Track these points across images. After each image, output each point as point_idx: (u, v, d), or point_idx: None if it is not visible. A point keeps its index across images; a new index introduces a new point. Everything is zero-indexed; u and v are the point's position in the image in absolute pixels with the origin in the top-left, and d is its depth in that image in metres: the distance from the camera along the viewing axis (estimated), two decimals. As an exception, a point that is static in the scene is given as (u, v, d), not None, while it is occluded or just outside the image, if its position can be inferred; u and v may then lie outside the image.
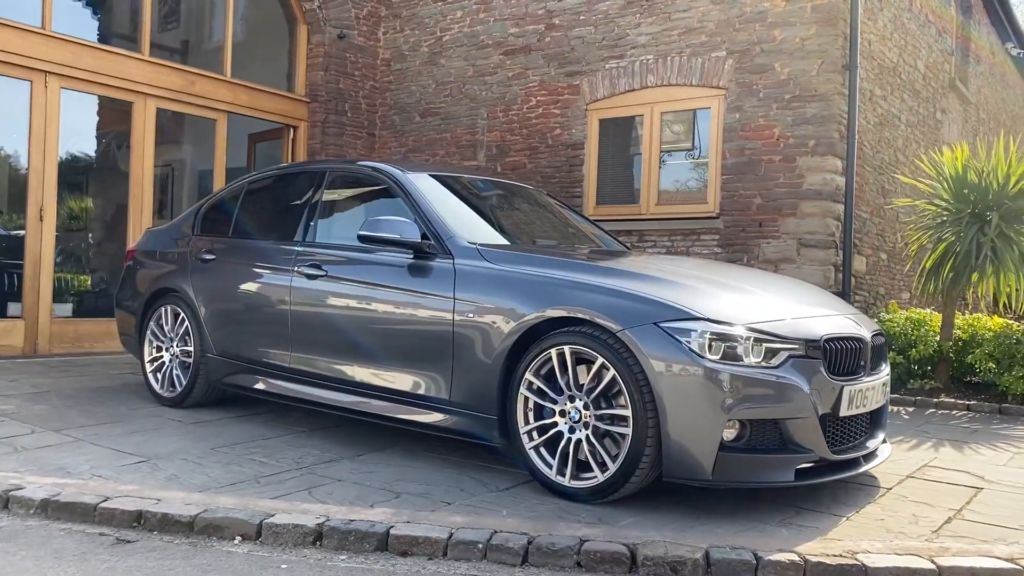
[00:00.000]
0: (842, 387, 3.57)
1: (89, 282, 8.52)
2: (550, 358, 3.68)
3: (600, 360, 3.52)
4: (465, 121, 9.77)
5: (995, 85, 13.76)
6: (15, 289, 7.76)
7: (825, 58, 7.42)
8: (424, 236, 4.25)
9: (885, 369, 4.05)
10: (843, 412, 3.59)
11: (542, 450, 3.73)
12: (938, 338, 7.25)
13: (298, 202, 5.13)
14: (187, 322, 5.37)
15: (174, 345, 5.48)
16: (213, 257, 5.34)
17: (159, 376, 5.57)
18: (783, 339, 3.47)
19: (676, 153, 8.45)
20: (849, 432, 3.77)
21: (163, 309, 5.56)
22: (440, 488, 3.79)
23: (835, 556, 3.04)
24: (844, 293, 7.45)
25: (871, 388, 3.77)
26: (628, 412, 3.45)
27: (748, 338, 3.41)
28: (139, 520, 3.40)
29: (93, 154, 8.87)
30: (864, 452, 3.84)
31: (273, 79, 10.21)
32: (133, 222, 8.37)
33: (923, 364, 7.31)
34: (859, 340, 3.76)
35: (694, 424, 3.35)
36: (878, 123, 8.46)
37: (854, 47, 7.45)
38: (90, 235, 8.77)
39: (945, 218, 7.16)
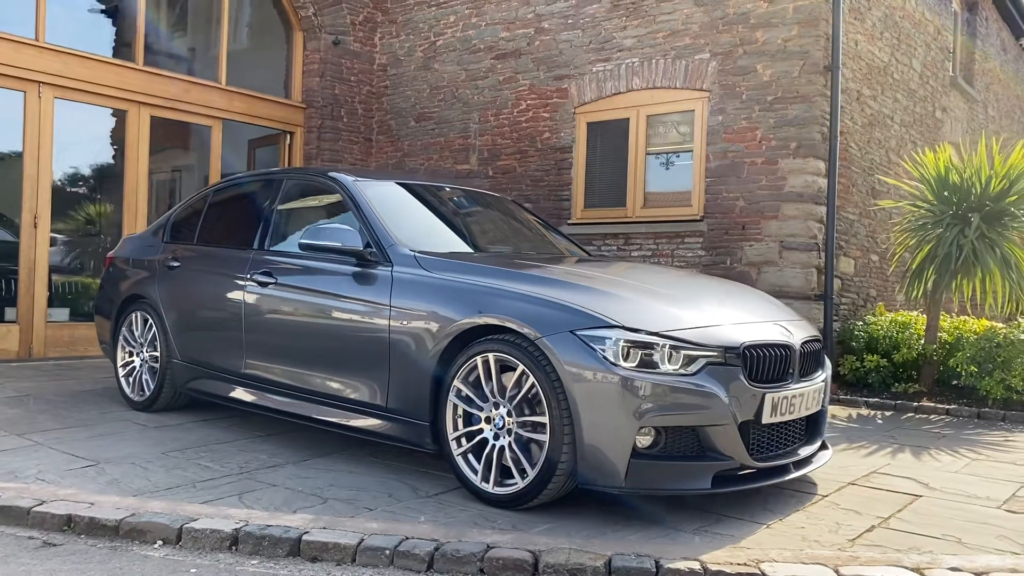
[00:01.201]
0: (764, 394, 3.56)
1: (85, 287, 8.69)
2: (476, 365, 3.72)
3: (520, 367, 3.56)
4: (458, 125, 9.82)
5: (1008, 82, 13.52)
6: (11, 294, 7.95)
7: (807, 59, 7.36)
8: (368, 244, 4.31)
9: (821, 375, 4.03)
10: (766, 419, 3.58)
11: (470, 456, 3.76)
12: (923, 341, 7.18)
13: (256, 210, 5.21)
14: (154, 328, 5.49)
15: (144, 350, 5.60)
16: (178, 264, 5.45)
17: (130, 380, 5.70)
18: (700, 346, 3.47)
19: (661, 156, 8.43)
20: (777, 439, 3.76)
21: (134, 315, 5.69)
22: (369, 494, 3.85)
23: (737, 564, 3.05)
24: (827, 296, 7.39)
25: (799, 395, 3.76)
26: (546, 419, 3.48)
27: (663, 345, 3.42)
28: (69, 524, 3.49)
29: (91, 161, 9.03)
30: (795, 459, 3.83)
31: (272, 86, 10.36)
32: (127, 228, 8.53)
33: (907, 368, 7.23)
34: (785, 347, 3.74)
35: (607, 431, 3.36)
36: (867, 123, 8.37)
37: (836, 48, 7.38)
38: (87, 240, 8.94)
39: (927, 220, 7.07)
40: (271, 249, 4.91)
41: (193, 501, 3.69)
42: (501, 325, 3.64)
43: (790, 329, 3.88)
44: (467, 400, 3.76)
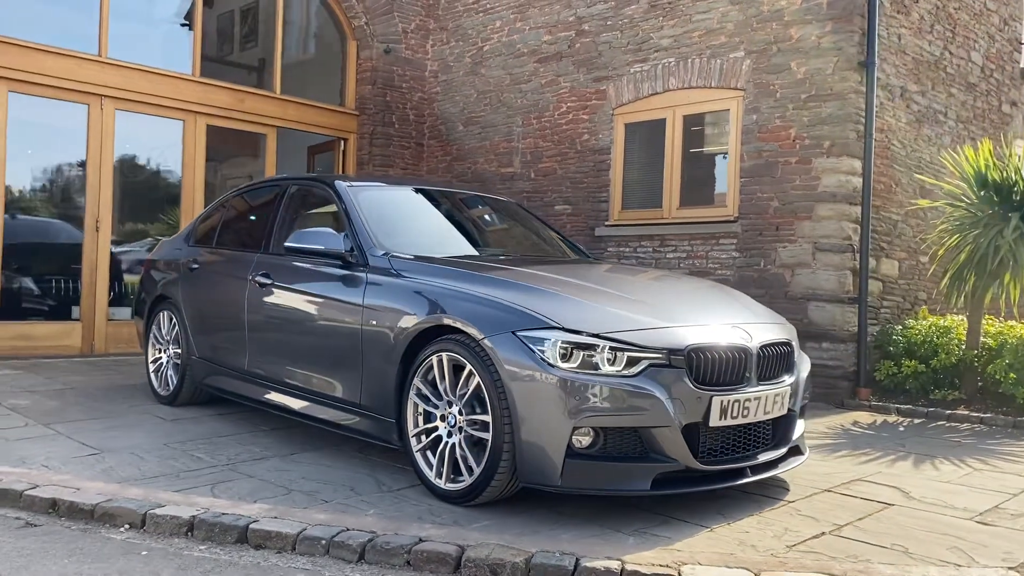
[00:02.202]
0: (711, 397, 3.54)
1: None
2: (432, 365, 3.82)
3: (468, 367, 3.64)
4: (502, 129, 9.95)
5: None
6: (75, 294, 8.49)
7: (841, 56, 7.16)
8: (350, 248, 4.47)
9: (787, 380, 3.95)
10: (715, 423, 3.56)
11: (428, 453, 3.88)
12: (963, 347, 6.88)
13: (263, 215, 5.47)
14: (178, 326, 5.81)
15: (169, 348, 5.93)
16: (197, 266, 5.76)
17: (158, 376, 6.04)
18: (642, 348, 3.48)
19: (697, 156, 8.34)
20: (734, 442, 3.72)
21: (161, 314, 6.03)
22: (333, 487, 4.00)
23: (658, 566, 3.05)
24: (860, 299, 7.16)
25: (756, 399, 3.71)
26: (489, 418, 3.55)
27: (603, 347, 3.45)
28: (54, 507, 3.77)
29: (150, 168, 9.55)
30: (753, 463, 3.78)
31: (328, 94, 10.72)
32: (184, 232, 8.99)
33: (948, 374, 6.95)
34: (740, 350, 3.70)
35: (543, 430, 3.42)
36: (914, 120, 8.06)
37: (872, 43, 7.14)
38: (147, 243, 9.46)
39: (966, 220, 6.78)
40: (272, 252, 5.13)
41: (169, 489, 3.92)
42: (453, 326, 3.73)
43: (750, 332, 3.83)
44: (425, 398, 3.87)
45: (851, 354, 7.15)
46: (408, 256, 4.34)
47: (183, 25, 9.42)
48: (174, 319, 5.86)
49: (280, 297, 4.86)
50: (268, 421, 5.41)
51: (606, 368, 3.45)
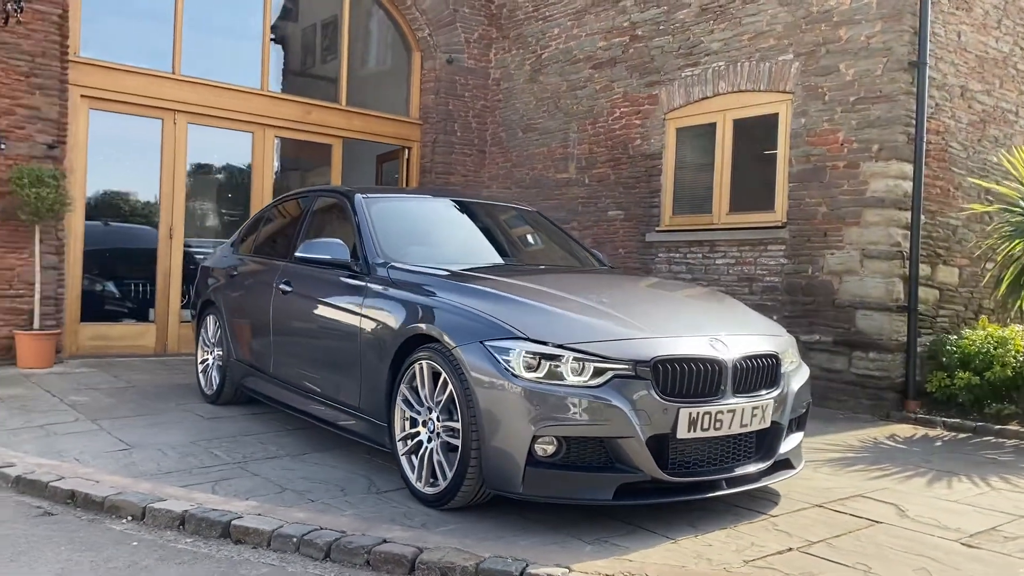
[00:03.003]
0: (678, 409, 3.55)
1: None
2: (415, 372, 3.96)
3: (443, 375, 3.77)
4: (559, 135, 10.02)
5: None
6: (151, 297, 9.05)
7: (890, 56, 6.94)
8: (357, 257, 4.67)
9: (769, 392, 3.89)
10: (683, 435, 3.57)
11: (412, 457, 4.02)
12: (1022, 358, 6.56)
13: (292, 224, 5.73)
14: (220, 330, 6.15)
15: (214, 350, 6.28)
16: (236, 273, 6.08)
17: (204, 376, 6.40)
18: (607, 359, 3.53)
19: (746, 161, 8.21)
20: (706, 454, 3.71)
21: (208, 318, 6.40)
22: (325, 487, 4.19)
23: (601, 575, 3.10)
24: (910, 308, 6.90)
25: (730, 411, 3.68)
26: (459, 425, 3.67)
27: (567, 358, 3.51)
28: (72, 498, 4.10)
29: (220, 179, 10.05)
30: (729, 475, 3.76)
31: (396, 104, 11.03)
32: (251, 239, 9.44)
33: (1005, 387, 6.63)
34: (713, 362, 3.69)
35: (506, 438, 3.50)
36: (977, 121, 7.69)
37: (923, 42, 6.88)
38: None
39: (1021, 226, 6.46)
40: (294, 261, 5.38)
41: (177, 484, 4.20)
42: (429, 335, 3.87)
43: (727, 344, 3.80)
44: (409, 404, 4.02)
45: (899, 365, 6.90)
46: (405, 266, 4.49)
47: (247, 42, 9.86)
48: (218, 323, 6.20)
49: (298, 304, 5.10)
50: (293, 422, 5.66)
51: (571, 378, 3.51)
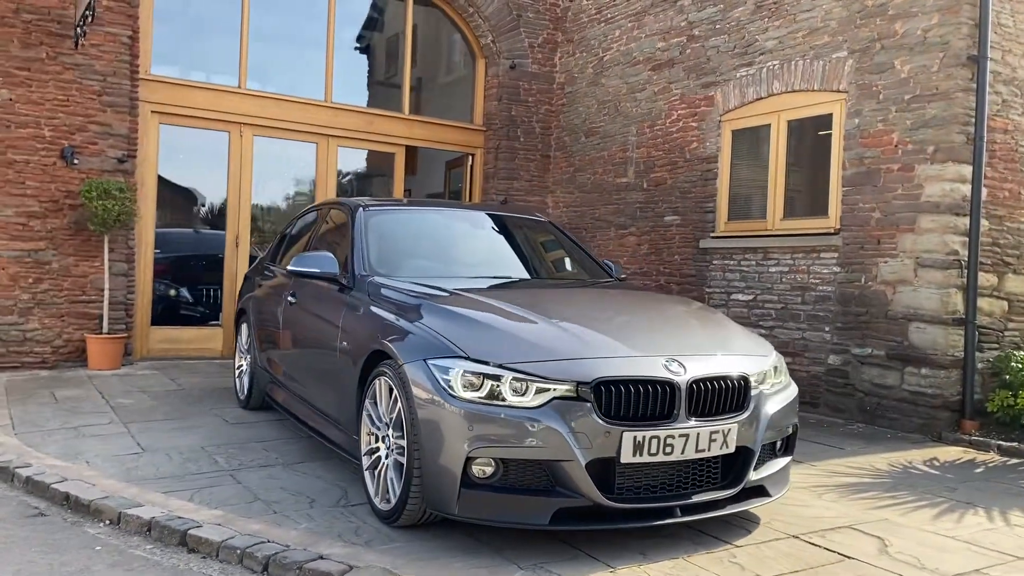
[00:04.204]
0: (622, 432, 3.42)
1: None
2: (375, 388, 3.98)
3: (394, 392, 3.76)
4: (618, 139, 9.85)
5: None
6: (219, 303, 9.46)
7: (947, 51, 6.46)
8: (347, 271, 4.73)
9: (733, 417, 3.68)
10: (627, 459, 3.43)
11: (373, 472, 4.03)
12: (1092, 378, 5.99)
13: (306, 235, 5.86)
14: (249, 337, 6.36)
15: (247, 356, 6.50)
16: (262, 283, 6.27)
17: (238, 381, 6.64)
18: (546, 380, 3.44)
19: (801, 164, 7.83)
20: (656, 480, 3.56)
21: (242, 325, 6.63)
22: (297, 498, 4.26)
23: (514, 604, 3.02)
24: (967, 320, 6.41)
25: (683, 435, 3.51)
26: (405, 443, 3.65)
27: (507, 378, 3.44)
28: (66, 500, 4.33)
29: (284, 188, 10.39)
30: (685, 503, 3.59)
31: (462, 112, 11.13)
32: (314, 246, 9.72)
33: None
34: (665, 384, 3.53)
35: (442, 458, 3.46)
36: (1056, 117, 7.06)
37: (984, 34, 6.38)
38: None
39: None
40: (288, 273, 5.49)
41: (160, 490, 4.36)
42: (383, 351, 3.87)
43: (685, 365, 3.63)
44: (372, 420, 4.03)
45: (954, 382, 6.42)
46: (385, 281, 4.51)
47: (310, 54, 10.13)
48: (248, 330, 6.42)
49: (299, 316, 5.22)
50: (305, 430, 5.77)
51: (511, 399, 3.44)
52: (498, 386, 3.45)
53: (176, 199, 9.74)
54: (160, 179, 9.02)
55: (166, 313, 9.34)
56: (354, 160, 10.97)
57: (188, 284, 9.65)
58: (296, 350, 5.28)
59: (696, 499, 3.62)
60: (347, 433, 4.38)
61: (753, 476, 3.80)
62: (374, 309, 4.25)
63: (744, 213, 8.30)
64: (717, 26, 8.56)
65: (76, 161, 8.21)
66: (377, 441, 4.00)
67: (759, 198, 8.11)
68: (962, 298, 6.48)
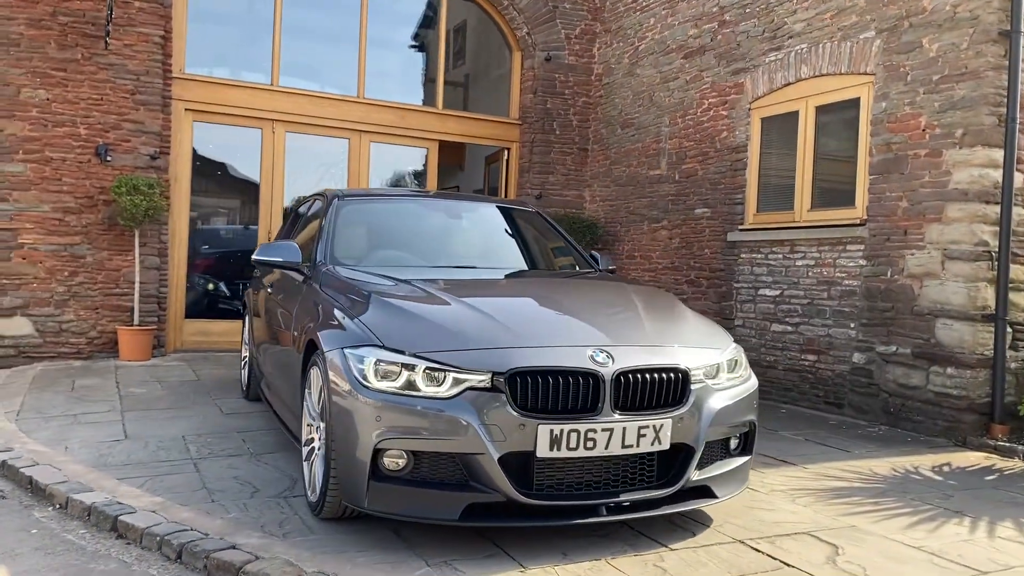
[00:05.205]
0: (537, 425, 3.25)
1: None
2: (311, 378, 3.91)
3: (320, 381, 3.69)
4: (652, 130, 9.58)
5: None
6: (252, 297, 9.62)
7: (976, 26, 6.01)
8: (310, 260, 4.69)
9: (668, 412, 3.45)
10: (543, 453, 3.26)
11: (310, 462, 3.96)
12: None
13: (295, 226, 5.86)
14: (249, 328, 6.41)
15: (246, 348, 6.56)
16: (257, 275, 6.31)
17: (242, 372, 6.70)
18: (460, 369, 3.30)
19: (828, 152, 7.43)
20: (582, 477, 3.37)
21: (245, 316, 6.69)
22: (242, 487, 4.23)
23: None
24: (997, 316, 5.94)
25: (606, 430, 3.32)
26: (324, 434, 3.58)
27: (420, 367, 3.32)
28: (30, 484, 4.42)
29: (317, 183, 10.45)
30: (610, 501, 3.39)
31: (499, 105, 11.03)
32: (345, 241, 9.78)
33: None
34: (587, 375, 3.34)
35: (353, 450, 3.36)
36: (1107, 96, 6.47)
37: (1017, 8, 5.89)
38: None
39: None
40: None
41: (117, 477, 4.40)
42: (314, 340, 3.80)
43: (614, 355, 3.43)
44: (309, 411, 3.96)
45: (981, 383, 5.96)
46: (338, 270, 4.44)
47: (341, 51, 10.18)
48: (248, 322, 6.47)
49: (271, 305, 5.22)
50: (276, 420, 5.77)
51: (425, 389, 3.31)
52: (413, 376, 3.33)
53: (213, 196, 9.95)
54: (196, 174, 9.22)
55: (201, 306, 9.54)
56: (411, 157, 10.86)
57: (225, 278, 9.84)
58: (267, 340, 5.28)
59: (625, 498, 3.42)
60: (299, 423, 4.33)
61: (696, 476, 3.57)
62: (317, 297, 4.19)
63: (773, 204, 7.94)
64: (747, 9, 8.21)
65: (109, 158, 8.46)
66: (313, 432, 3.93)
67: (787, 188, 7.73)
68: (992, 292, 6.02)
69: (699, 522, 3.80)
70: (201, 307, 9.54)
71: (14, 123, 8.15)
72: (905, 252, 6.47)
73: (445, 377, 3.31)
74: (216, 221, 9.89)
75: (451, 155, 12.97)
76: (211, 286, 9.80)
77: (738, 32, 8.32)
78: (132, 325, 8.46)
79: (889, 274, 6.60)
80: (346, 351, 3.48)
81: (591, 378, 3.35)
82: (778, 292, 7.66)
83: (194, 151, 9.21)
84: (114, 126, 8.52)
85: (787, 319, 7.53)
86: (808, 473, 4.85)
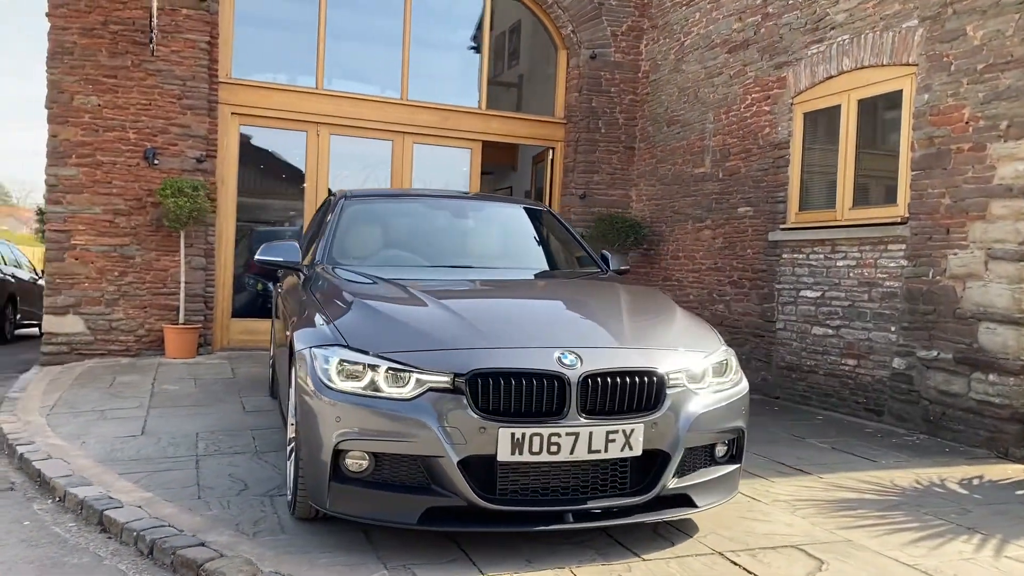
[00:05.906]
0: (498, 428, 3.17)
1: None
2: (292, 377, 3.91)
3: (297, 379, 3.68)
4: (696, 127, 9.35)
5: None
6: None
7: (1023, 11, 5.65)
8: (311, 260, 4.72)
9: (640, 417, 3.31)
10: (505, 457, 3.18)
11: (291, 461, 3.96)
12: None
13: (311, 227, 5.90)
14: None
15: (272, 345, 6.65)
16: (280, 274, 6.38)
17: (270, 371, 6.79)
18: (422, 370, 3.24)
19: (871, 147, 7.10)
20: (548, 483, 3.27)
21: (273, 316, 6.78)
22: (233, 485, 4.27)
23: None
24: (1044, 320, 5.56)
25: (571, 433, 3.20)
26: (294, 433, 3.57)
27: (382, 367, 3.28)
28: (39, 477, 4.56)
29: (361, 184, 10.53)
30: (578, 508, 3.28)
31: (545, 105, 10.95)
32: (388, 241, 9.85)
33: None
34: (552, 377, 3.23)
35: (317, 450, 3.34)
36: None
37: (1067, -10, 5.53)
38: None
39: None
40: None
41: (120, 471, 4.50)
42: (292, 338, 3.80)
43: (583, 356, 3.32)
44: (292, 409, 3.96)
45: (1025, 391, 5.60)
46: (333, 270, 4.44)
47: (385, 53, 10.25)
48: (272, 322, 6.56)
49: (280, 304, 5.27)
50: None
51: (388, 390, 3.27)
52: (366, 375, 3.29)
53: (265, 197, 10.14)
54: (243, 176, 9.42)
55: (254, 306, 9.70)
56: (455, 159, 10.85)
57: (275, 279, 10.01)
58: (276, 339, 5.34)
59: (593, 505, 3.31)
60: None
61: (673, 483, 3.43)
62: (305, 297, 4.20)
63: (815, 203, 7.64)
64: (790, 1, 7.93)
65: (157, 161, 8.71)
66: (293, 431, 3.93)
67: (829, 186, 7.43)
68: (1041, 295, 5.64)
69: (683, 532, 3.65)
70: (253, 307, 9.72)
71: (68, 128, 8.47)
72: (947, 252, 6.13)
73: (409, 378, 3.26)
74: (259, 222, 10.07)
75: (504, 156, 12.97)
76: (260, 286, 9.98)
77: (781, 25, 8.04)
78: (177, 324, 8.69)
79: (931, 275, 6.26)
80: (313, 350, 3.47)
81: (556, 380, 3.25)
82: (819, 293, 7.36)
83: (241, 154, 9.40)
84: (162, 130, 8.77)
85: (827, 321, 7.23)
86: (821, 483, 4.62)
